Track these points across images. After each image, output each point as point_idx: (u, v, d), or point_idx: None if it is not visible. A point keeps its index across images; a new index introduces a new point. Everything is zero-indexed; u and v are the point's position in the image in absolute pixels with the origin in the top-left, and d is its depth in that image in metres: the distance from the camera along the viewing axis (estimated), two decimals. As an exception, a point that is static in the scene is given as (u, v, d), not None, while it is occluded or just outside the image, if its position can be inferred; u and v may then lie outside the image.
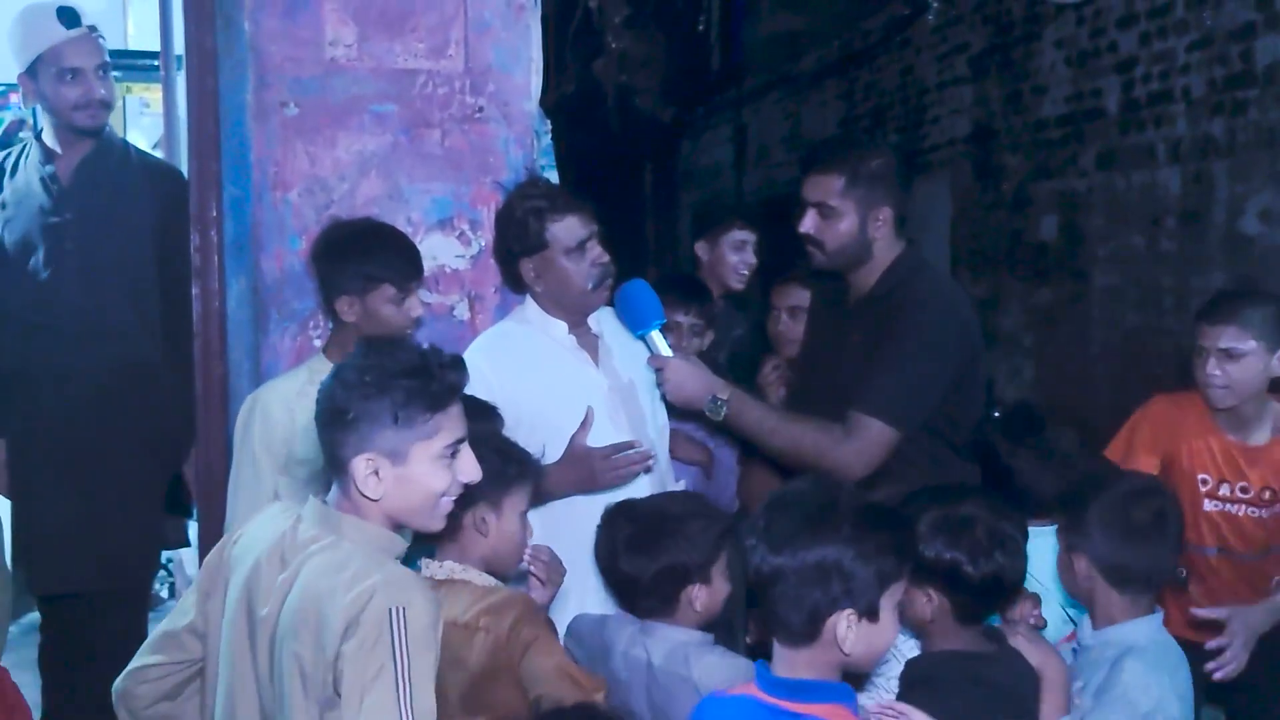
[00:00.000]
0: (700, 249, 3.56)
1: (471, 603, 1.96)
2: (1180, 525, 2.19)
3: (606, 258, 2.61)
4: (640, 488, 2.52)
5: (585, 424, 2.48)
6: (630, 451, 2.46)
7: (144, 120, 5.17)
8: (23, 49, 3.20)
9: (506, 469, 2.02)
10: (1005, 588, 1.95)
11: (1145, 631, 2.09)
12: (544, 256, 2.55)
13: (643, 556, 2.04)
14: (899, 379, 2.47)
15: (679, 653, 1.99)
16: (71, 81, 3.16)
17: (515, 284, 2.69)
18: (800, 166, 2.69)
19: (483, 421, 2.30)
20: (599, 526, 2.16)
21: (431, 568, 2.03)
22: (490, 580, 2.03)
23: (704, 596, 2.05)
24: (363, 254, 2.44)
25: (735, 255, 3.49)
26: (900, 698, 1.91)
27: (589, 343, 2.63)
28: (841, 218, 2.56)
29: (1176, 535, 2.16)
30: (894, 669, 2.03)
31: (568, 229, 2.54)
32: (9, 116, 4.92)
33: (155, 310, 3.22)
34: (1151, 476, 2.56)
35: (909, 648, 2.05)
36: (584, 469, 2.46)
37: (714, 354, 3.24)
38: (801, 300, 3.15)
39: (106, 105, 3.22)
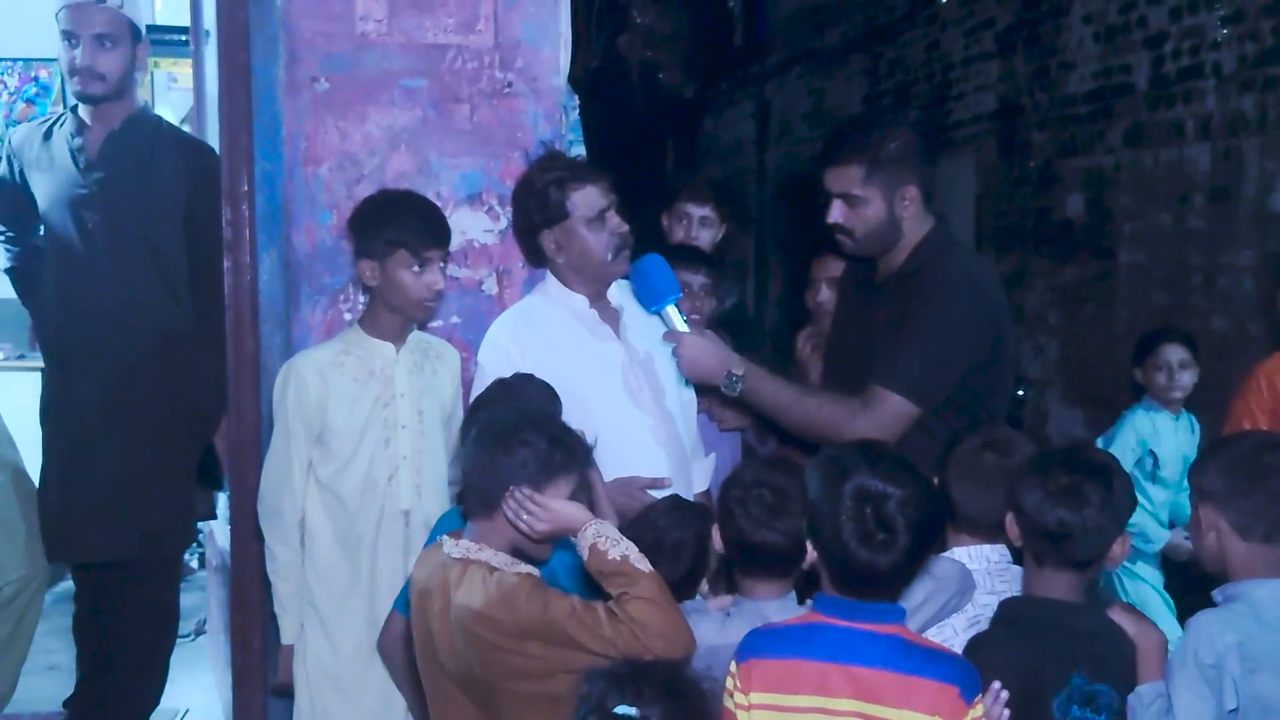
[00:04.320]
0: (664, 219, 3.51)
1: (483, 590, 1.92)
2: None
3: (625, 228, 2.62)
4: (659, 463, 2.55)
5: (658, 484, 2.48)
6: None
7: (171, 95, 5.20)
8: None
9: (553, 455, 1.98)
10: (1062, 540, 1.98)
11: (1265, 588, 1.99)
12: (565, 227, 2.56)
13: (784, 520, 2.03)
14: (919, 354, 2.47)
15: None
16: (69, 47, 3.18)
17: (536, 259, 2.71)
18: (821, 154, 2.65)
19: (543, 403, 2.30)
20: (729, 505, 2.10)
21: (448, 545, 2.02)
22: (505, 559, 1.99)
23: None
24: (385, 219, 2.47)
25: (681, 232, 3.42)
26: (986, 632, 2.04)
27: (610, 316, 2.65)
28: (868, 204, 2.56)
29: None
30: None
31: (587, 198, 2.55)
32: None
33: (185, 284, 3.24)
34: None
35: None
36: (628, 503, 2.44)
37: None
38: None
39: (99, 77, 3.17)
